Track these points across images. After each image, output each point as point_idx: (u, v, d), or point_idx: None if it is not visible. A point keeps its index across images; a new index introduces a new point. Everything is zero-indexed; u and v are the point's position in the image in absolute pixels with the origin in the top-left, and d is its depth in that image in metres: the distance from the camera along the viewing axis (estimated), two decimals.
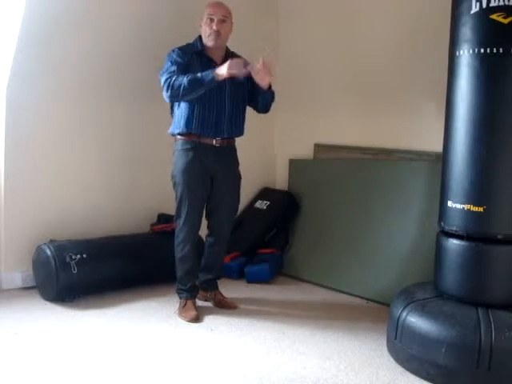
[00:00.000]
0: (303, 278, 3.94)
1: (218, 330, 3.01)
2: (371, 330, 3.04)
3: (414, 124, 3.71)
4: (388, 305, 2.90)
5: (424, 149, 3.64)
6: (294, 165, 4.43)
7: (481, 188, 2.54)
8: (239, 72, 2.95)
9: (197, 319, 3.11)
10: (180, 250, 3.20)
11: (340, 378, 2.50)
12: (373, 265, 3.66)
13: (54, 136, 3.54)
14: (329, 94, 4.20)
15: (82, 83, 3.59)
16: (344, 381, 2.48)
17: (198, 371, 2.52)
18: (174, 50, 3.13)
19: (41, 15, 3.35)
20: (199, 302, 3.32)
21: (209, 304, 3.38)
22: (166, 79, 3.03)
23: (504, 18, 2.43)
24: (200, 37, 3.17)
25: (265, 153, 4.52)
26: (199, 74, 2.98)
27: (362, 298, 3.57)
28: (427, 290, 2.76)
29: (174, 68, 3.06)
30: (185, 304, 3.20)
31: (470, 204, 2.55)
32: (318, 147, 4.30)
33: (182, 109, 3.12)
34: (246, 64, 2.99)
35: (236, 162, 3.30)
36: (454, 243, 2.62)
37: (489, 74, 2.50)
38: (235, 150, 3.29)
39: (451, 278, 2.64)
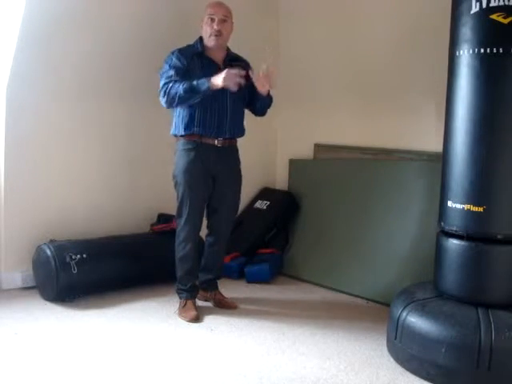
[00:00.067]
0: (303, 278, 3.94)
1: (218, 330, 3.01)
2: (371, 329, 3.04)
3: (414, 124, 3.71)
4: (388, 305, 2.90)
5: (424, 149, 3.64)
6: (294, 165, 4.43)
7: (481, 188, 2.54)
8: (233, 85, 2.95)
9: (197, 319, 3.11)
10: (181, 249, 3.20)
11: (340, 378, 2.50)
12: (373, 265, 3.66)
13: (54, 136, 3.54)
14: (329, 94, 4.20)
15: (82, 83, 3.59)
16: (344, 381, 2.48)
17: (198, 371, 2.52)
18: (173, 53, 3.13)
19: (41, 15, 3.35)
20: (199, 302, 3.32)
21: (209, 304, 3.38)
22: (163, 86, 3.05)
23: (504, 18, 2.43)
24: (201, 38, 3.17)
25: (265, 153, 4.52)
26: (195, 83, 2.98)
27: (361, 297, 3.58)
28: (427, 290, 2.76)
29: (171, 72, 3.06)
30: (185, 304, 3.20)
31: (470, 204, 2.55)
32: (318, 147, 4.30)
33: (184, 110, 3.12)
34: (241, 74, 2.97)
35: (238, 163, 3.30)
36: (453, 243, 2.62)
37: (489, 74, 2.50)
38: (237, 150, 3.29)
39: (451, 278, 2.64)
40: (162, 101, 3.07)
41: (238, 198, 3.36)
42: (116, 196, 3.80)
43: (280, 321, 3.15)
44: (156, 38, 3.73)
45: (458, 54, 2.58)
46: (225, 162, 3.20)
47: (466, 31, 2.54)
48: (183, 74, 3.06)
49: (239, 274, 3.88)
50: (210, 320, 3.14)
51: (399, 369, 2.60)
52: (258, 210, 4.32)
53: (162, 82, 3.07)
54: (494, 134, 2.53)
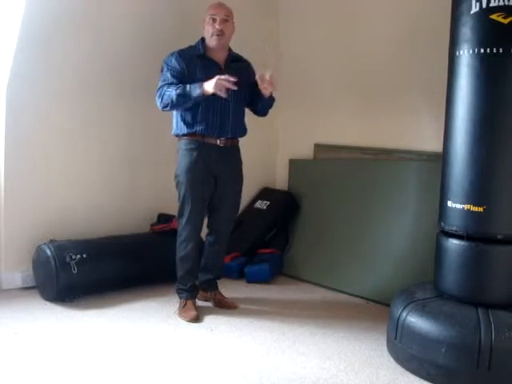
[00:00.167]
0: (303, 278, 3.94)
1: (218, 330, 3.01)
2: (371, 329, 3.04)
3: (413, 124, 3.71)
4: (388, 305, 2.90)
5: (424, 149, 3.64)
6: (294, 165, 4.43)
7: (481, 188, 2.54)
8: (224, 93, 2.95)
9: (197, 319, 3.11)
10: (182, 248, 3.20)
11: (340, 378, 2.50)
12: (373, 265, 3.66)
13: (54, 136, 3.54)
14: (329, 94, 4.20)
15: (82, 83, 3.59)
16: (344, 381, 2.48)
17: (198, 371, 2.52)
18: (172, 54, 3.14)
19: (41, 15, 3.35)
20: (199, 302, 3.32)
21: (209, 304, 3.38)
22: (159, 89, 3.09)
23: (504, 18, 2.43)
24: (202, 39, 3.18)
25: (265, 153, 4.51)
26: (188, 88, 2.99)
27: (361, 297, 3.58)
28: (427, 290, 2.76)
29: (168, 75, 3.09)
30: (185, 304, 3.20)
31: (470, 204, 2.55)
32: (318, 147, 4.30)
33: (185, 110, 3.12)
34: (231, 81, 2.95)
35: (239, 162, 3.31)
36: (454, 243, 2.62)
37: (489, 74, 2.50)
38: (239, 150, 3.30)
39: (451, 278, 2.64)
40: (157, 104, 3.10)
41: (239, 198, 3.36)
42: (116, 196, 3.80)
43: (280, 321, 3.15)
44: (156, 37, 3.73)
45: (458, 53, 2.58)
46: (227, 161, 3.20)
47: (466, 31, 2.54)
48: (180, 76, 3.07)
49: (239, 274, 3.88)
50: (209, 320, 3.14)
51: (399, 369, 2.60)
52: (258, 209, 4.32)
53: (158, 85, 3.10)
54: (494, 134, 2.53)
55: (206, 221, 3.32)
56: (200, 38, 3.19)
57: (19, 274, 3.47)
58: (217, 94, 2.97)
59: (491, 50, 2.46)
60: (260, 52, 3.30)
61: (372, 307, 3.45)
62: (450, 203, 2.64)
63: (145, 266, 3.58)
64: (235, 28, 3.19)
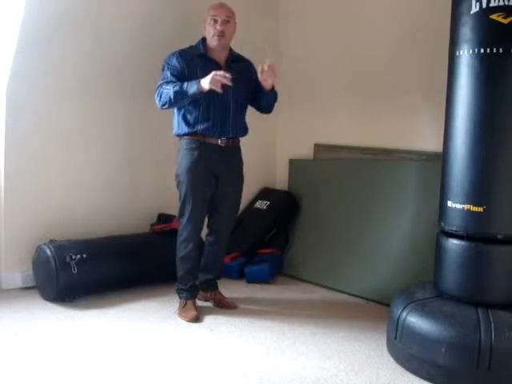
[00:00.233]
0: (303, 277, 3.94)
1: (218, 330, 3.01)
2: (371, 329, 3.04)
3: (414, 124, 3.71)
4: (388, 305, 2.90)
5: (424, 149, 3.64)
6: (294, 165, 4.43)
7: (481, 188, 2.54)
8: (219, 88, 2.94)
9: (197, 319, 3.11)
10: (183, 248, 3.20)
11: (340, 378, 2.50)
12: (373, 265, 3.66)
13: (53, 136, 3.54)
14: (329, 94, 4.20)
15: (82, 83, 3.59)
16: (344, 381, 2.48)
17: (198, 371, 2.52)
18: (173, 54, 3.14)
19: (41, 15, 3.35)
20: (199, 302, 3.32)
21: (209, 304, 3.38)
22: (157, 87, 3.09)
23: (504, 18, 2.43)
24: (203, 39, 3.18)
25: (265, 153, 4.51)
26: (185, 85, 2.99)
27: (361, 297, 3.57)
28: (427, 290, 2.76)
29: (168, 74, 3.09)
30: (185, 304, 3.20)
31: (470, 204, 2.55)
32: (318, 147, 4.30)
33: (186, 109, 3.13)
34: (226, 77, 2.94)
35: (240, 162, 3.31)
36: (454, 243, 2.62)
37: (489, 74, 2.50)
38: (240, 150, 3.30)
39: (451, 277, 2.64)
40: (156, 102, 3.10)
41: (240, 198, 3.37)
42: (116, 196, 3.80)
43: (280, 321, 3.15)
44: (157, 37, 3.74)
45: (458, 53, 2.58)
46: (227, 161, 3.20)
47: (466, 31, 2.54)
48: (180, 75, 3.07)
49: (239, 274, 3.88)
50: (209, 320, 3.14)
51: (399, 369, 2.60)
52: (258, 209, 4.32)
53: (158, 84, 3.10)
54: (494, 134, 2.53)
55: (205, 221, 3.32)
56: (201, 37, 3.19)
57: (19, 274, 3.47)
58: (215, 91, 2.96)
59: (491, 50, 2.46)
60: (260, 52, 3.29)
61: (372, 307, 3.45)
62: (450, 203, 2.64)
63: (145, 266, 3.58)
64: (236, 28, 3.19)
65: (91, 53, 3.59)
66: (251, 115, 3.35)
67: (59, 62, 3.49)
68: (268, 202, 4.33)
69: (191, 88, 2.98)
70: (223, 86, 2.96)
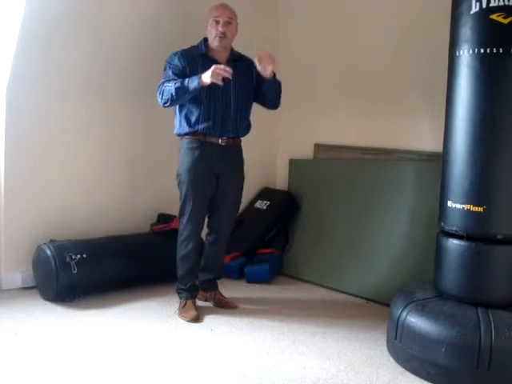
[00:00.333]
0: (303, 277, 3.94)
1: (218, 329, 3.01)
2: (371, 329, 3.04)
3: (414, 124, 3.71)
4: (388, 305, 2.90)
5: (424, 149, 3.64)
6: (294, 165, 4.43)
7: (481, 188, 2.54)
8: (220, 81, 2.94)
9: (197, 319, 3.11)
10: (183, 248, 3.20)
11: (340, 378, 2.50)
12: (373, 265, 3.66)
13: (53, 136, 3.54)
14: (329, 93, 4.20)
15: (82, 83, 3.59)
16: (344, 381, 2.48)
17: (198, 371, 2.52)
18: (175, 54, 3.15)
19: (41, 15, 3.35)
20: (199, 302, 3.32)
21: (209, 304, 3.38)
22: (159, 85, 3.09)
23: (504, 18, 2.43)
24: (205, 39, 3.18)
25: (265, 153, 4.51)
26: (186, 81, 3.00)
27: (361, 297, 3.58)
28: (427, 290, 2.76)
29: (170, 73, 3.10)
30: (185, 304, 3.20)
31: (470, 204, 2.55)
32: (318, 147, 4.30)
33: (187, 109, 3.13)
34: (226, 70, 2.94)
35: (241, 162, 3.31)
36: (454, 243, 2.62)
37: (489, 74, 2.50)
38: (241, 149, 3.30)
39: (451, 277, 2.64)
40: (158, 100, 3.10)
41: (240, 198, 3.37)
42: (116, 196, 3.80)
43: (280, 320, 3.15)
44: (157, 37, 3.74)
45: (458, 53, 2.58)
46: (228, 161, 3.20)
47: (466, 31, 2.54)
48: (181, 74, 3.08)
49: (239, 274, 3.88)
50: (209, 320, 3.14)
51: (399, 369, 2.60)
52: (258, 209, 4.32)
53: (160, 82, 3.11)
54: (494, 134, 2.53)
55: (206, 220, 3.33)
56: (203, 37, 3.19)
57: (19, 274, 3.47)
58: (216, 91, 2.96)
59: (491, 50, 2.46)
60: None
61: (372, 307, 3.45)
62: (450, 203, 2.64)
63: (145, 266, 3.58)
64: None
65: (91, 53, 3.59)
66: (251, 115, 3.34)
67: (59, 62, 3.49)
68: (268, 202, 4.33)
69: (192, 83, 2.98)
70: (224, 80, 2.96)
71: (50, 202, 3.55)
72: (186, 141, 3.17)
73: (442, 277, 2.70)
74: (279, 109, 3.40)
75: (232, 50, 3.23)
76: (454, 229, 2.62)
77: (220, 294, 3.40)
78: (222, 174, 3.19)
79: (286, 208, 4.28)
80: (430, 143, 3.56)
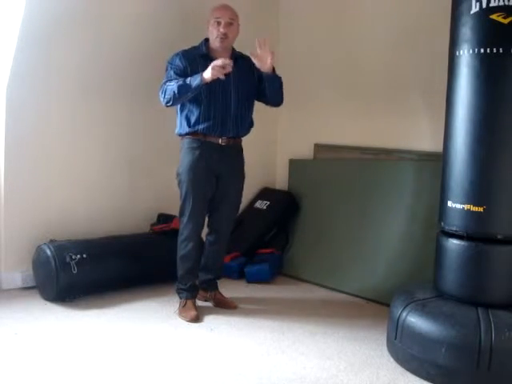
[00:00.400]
0: (303, 277, 3.94)
1: (218, 329, 3.01)
2: (371, 329, 3.04)
3: (414, 124, 3.71)
4: (388, 305, 2.90)
5: (424, 149, 3.64)
6: (294, 165, 4.43)
7: (481, 188, 2.54)
8: (221, 74, 2.94)
9: (197, 319, 3.11)
10: (183, 247, 3.20)
11: (340, 378, 2.50)
12: (373, 264, 3.65)
13: (53, 136, 3.54)
14: (329, 93, 4.20)
15: (82, 83, 3.59)
16: (344, 381, 2.48)
17: (198, 371, 2.52)
18: (177, 54, 3.16)
19: (41, 15, 3.35)
20: (199, 302, 3.32)
21: (209, 304, 3.38)
22: (162, 85, 3.10)
23: (504, 18, 2.43)
24: (206, 39, 3.19)
25: (265, 153, 4.51)
26: (188, 79, 3.01)
27: (361, 297, 3.58)
28: (427, 290, 2.76)
29: (172, 73, 3.11)
30: (185, 304, 3.20)
31: (470, 204, 2.55)
32: (318, 147, 4.30)
33: (187, 109, 3.14)
34: (226, 62, 2.95)
35: (242, 162, 3.31)
36: (454, 243, 2.62)
37: (489, 74, 2.50)
38: (241, 149, 3.30)
39: (451, 277, 2.64)
40: (161, 100, 3.11)
41: (240, 197, 3.37)
42: (116, 196, 3.80)
43: (280, 321, 3.15)
44: (158, 37, 3.74)
45: (458, 54, 2.58)
46: (228, 161, 3.20)
47: (466, 31, 2.54)
48: (183, 74, 3.08)
49: (239, 274, 3.88)
50: (209, 320, 3.14)
51: (399, 369, 2.60)
52: (258, 209, 4.32)
53: (162, 82, 3.12)
54: (494, 134, 2.53)
55: (206, 220, 3.33)
56: (204, 38, 3.20)
57: (19, 274, 3.47)
58: (216, 90, 2.98)
59: (491, 50, 2.46)
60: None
61: (372, 307, 3.45)
62: (450, 203, 2.64)
63: (145, 266, 3.58)
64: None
65: (91, 53, 3.59)
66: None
67: (59, 62, 3.49)
68: (268, 202, 4.33)
69: (194, 81, 2.98)
70: (226, 74, 2.96)
71: (50, 202, 3.55)
72: (186, 141, 3.18)
73: (441, 277, 2.70)
74: (279, 109, 3.40)
75: (233, 49, 3.23)
76: (454, 229, 2.62)
77: (220, 293, 3.40)
78: (222, 174, 3.20)
79: (286, 208, 4.28)
80: (430, 143, 3.56)
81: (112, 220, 3.75)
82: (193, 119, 3.12)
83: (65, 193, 3.60)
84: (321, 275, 3.85)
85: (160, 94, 3.10)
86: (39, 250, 3.32)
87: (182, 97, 3.04)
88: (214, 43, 3.13)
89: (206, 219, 3.32)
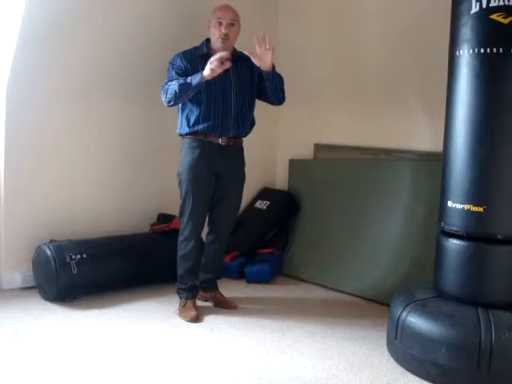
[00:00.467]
0: (303, 277, 3.94)
1: (218, 329, 3.01)
2: (371, 330, 3.04)
3: (414, 124, 3.71)
4: (388, 305, 2.90)
5: (424, 149, 3.64)
6: (294, 165, 4.43)
7: (481, 188, 2.55)
8: (219, 68, 2.94)
9: (197, 319, 3.11)
10: (183, 247, 3.21)
11: (340, 378, 2.50)
12: (373, 264, 3.66)
13: (53, 136, 3.54)
14: (329, 94, 4.20)
15: (82, 83, 3.59)
16: (344, 381, 2.48)
17: (198, 371, 2.52)
18: (178, 55, 3.16)
19: (41, 15, 3.35)
20: (199, 302, 3.32)
21: (209, 304, 3.38)
22: (163, 85, 3.11)
23: (504, 18, 2.43)
24: (207, 40, 3.20)
25: (265, 153, 4.51)
26: (189, 78, 3.02)
27: (361, 297, 3.58)
28: (427, 290, 2.76)
29: (173, 73, 3.12)
30: (185, 304, 3.20)
31: (470, 204, 2.55)
32: (318, 147, 4.30)
33: (188, 109, 3.14)
34: (224, 56, 2.95)
35: (242, 162, 3.31)
36: (454, 243, 2.62)
37: (489, 74, 2.50)
38: (242, 149, 3.30)
39: (451, 277, 2.64)
40: (162, 100, 3.12)
41: (240, 198, 3.37)
42: (116, 196, 3.80)
43: (280, 321, 3.15)
44: (158, 37, 3.74)
45: (458, 53, 2.58)
46: (228, 161, 3.21)
47: (466, 31, 2.54)
48: (184, 75, 3.09)
49: (239, 274, 3.88)
50: (209, 320, 3.14)
51: (399, 369, 2.60)
52: (258, 209, 4.32)
53: (163, 82, 3.13)
54: (494, 134, 2.53)
55: (206, 220, 3.33)
56: (205, 38, 3.20)
57: (19, 274, 3.47)
58: (217, 91, 2.98)
59: (491, 50, 2.46)
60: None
61: (372, 307, 3.45)
62: (450, 203, 2.64)
63: (145, 266, 3.58)
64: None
65: (92, 52, 3.59)
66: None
67: (59, 62, 3.49)
68: (268, 202, 4.33)
69: (195, 79, 3.00)
70: (226, 69, 2.97)
71: (50, 201, 3.55)
72: (186, 140, 3.18)
73: (442, 277, 2.70)
74: (279, 109, 3.40)
75: (234, 50, 3.23)
76: (454, 229, 2.62)
77: (220, 293, 3.40)
78: (223, 174, 3.20)
79: (286, 208, 4.28)
80: (430, 143, 3.56)
81: (112, 220, 3.75)
82: (193, 119, 3.13)
83: (65, 193, 3.60)
84: (321, 275, 3.85)
85: (162, 93, 3.11)
86: (39, 250, 3.32)
87: (183, 95, 3.04)
88: (216, 44, 3.14)
89: (206, 219, 3.32)
